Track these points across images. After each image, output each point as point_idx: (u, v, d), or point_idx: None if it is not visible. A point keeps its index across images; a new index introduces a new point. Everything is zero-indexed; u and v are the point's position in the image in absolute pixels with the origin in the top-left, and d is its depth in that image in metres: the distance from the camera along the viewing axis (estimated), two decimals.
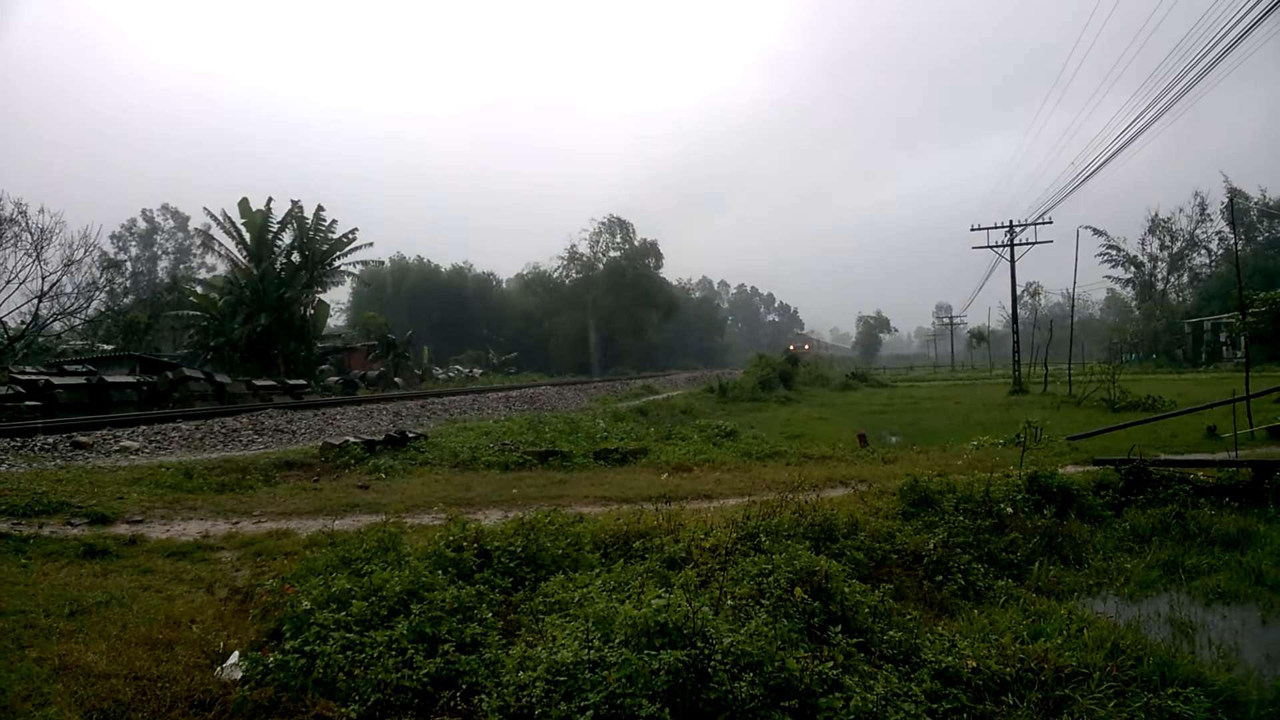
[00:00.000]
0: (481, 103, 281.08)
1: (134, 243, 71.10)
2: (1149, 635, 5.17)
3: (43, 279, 29.73)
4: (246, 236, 33.35)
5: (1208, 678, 4.38)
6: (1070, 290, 37.84)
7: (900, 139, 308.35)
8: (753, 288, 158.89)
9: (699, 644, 3.83)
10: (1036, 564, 6.64)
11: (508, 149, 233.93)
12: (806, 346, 67.20)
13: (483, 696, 3.77)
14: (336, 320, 55.06)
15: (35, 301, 29.99)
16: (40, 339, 31.74)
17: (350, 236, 35.04)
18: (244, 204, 33.29)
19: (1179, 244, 68.16)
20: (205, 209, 33.64)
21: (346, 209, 50.88)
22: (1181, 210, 67.74)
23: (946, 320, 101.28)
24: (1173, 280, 69.05)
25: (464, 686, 3.92)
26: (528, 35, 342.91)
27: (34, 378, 19.21)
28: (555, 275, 76.54)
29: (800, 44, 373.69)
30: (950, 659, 4.23)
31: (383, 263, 57.57)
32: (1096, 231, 69.13)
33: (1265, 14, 14.43)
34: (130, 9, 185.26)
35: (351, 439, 12.73)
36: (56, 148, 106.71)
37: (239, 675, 4.04)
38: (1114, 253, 70.66)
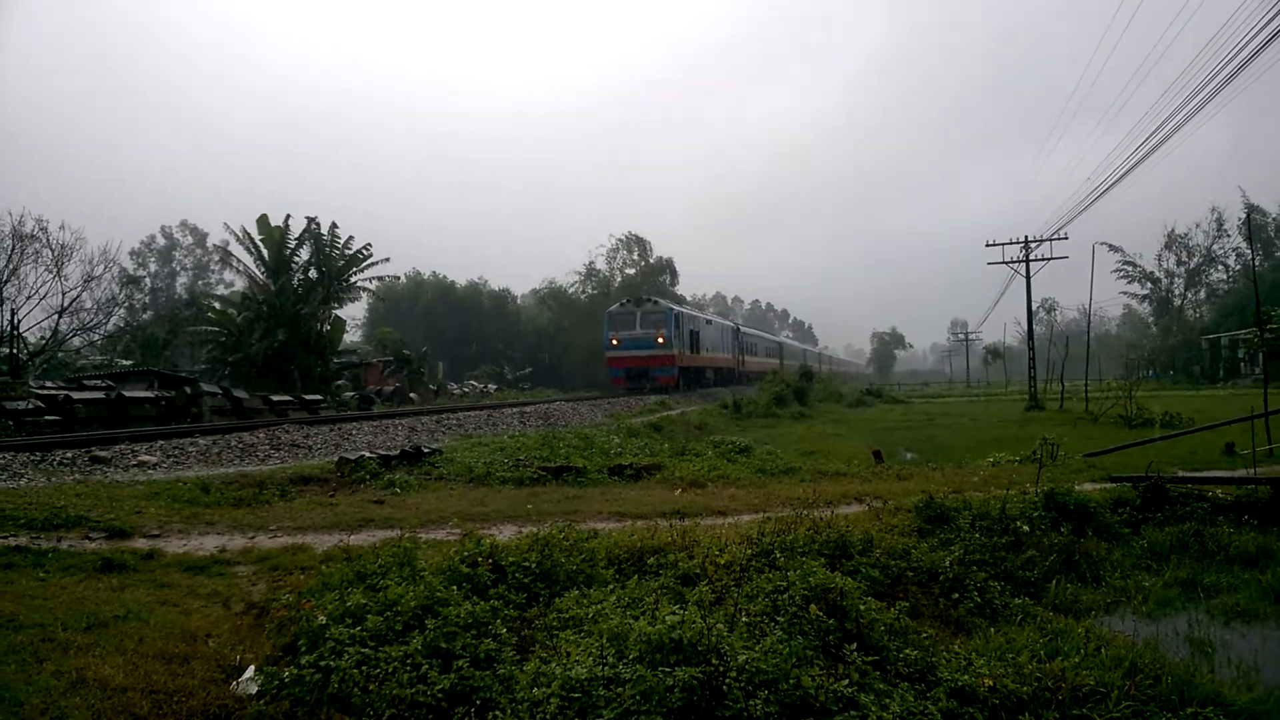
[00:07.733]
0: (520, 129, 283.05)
1: (153, 259, 72.03)
2: (1167, 654, 5.12)
3: (63, 295, 30.25)
4: (265, 252, 33.67)
5: (1227, 697, 4.34)
6: (1086, 306, 37.63)
7: (924, 165, 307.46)
8: (768, 304, 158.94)
9: (713, 661, 3.83)
10: (1054, 582, 6.60)
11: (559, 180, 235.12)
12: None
13: (497, 713, 3.79)
14: (353, 336, 55.30)
15: (55, 317, 30.48)
16: (60, 354, 32.12)
17: (366, 252, 35.30)
18: (263, 220, 33.61)
19: (1196, 260, 67.58)
20: (225, 224, 34.16)
21: (371, 230, 51.09)
22: (1198, 226, 67.16)
23: (961, 336, 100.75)
24: (1190, 296, 68.37)
25: (478, 702, 3.93)
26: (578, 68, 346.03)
27: (53, 392, 19.40)
28: (571, 291, 76.68)
29: (841, 71, 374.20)
30: (967, 678, 4.21)
31: (398, 278, 57.93)
32: (1112, 247, 68.59)
33: None
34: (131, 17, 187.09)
35: (367, 454, 12.77)
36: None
37: (254, 690, 4.07)
38: (1130, 269, 70.07)
